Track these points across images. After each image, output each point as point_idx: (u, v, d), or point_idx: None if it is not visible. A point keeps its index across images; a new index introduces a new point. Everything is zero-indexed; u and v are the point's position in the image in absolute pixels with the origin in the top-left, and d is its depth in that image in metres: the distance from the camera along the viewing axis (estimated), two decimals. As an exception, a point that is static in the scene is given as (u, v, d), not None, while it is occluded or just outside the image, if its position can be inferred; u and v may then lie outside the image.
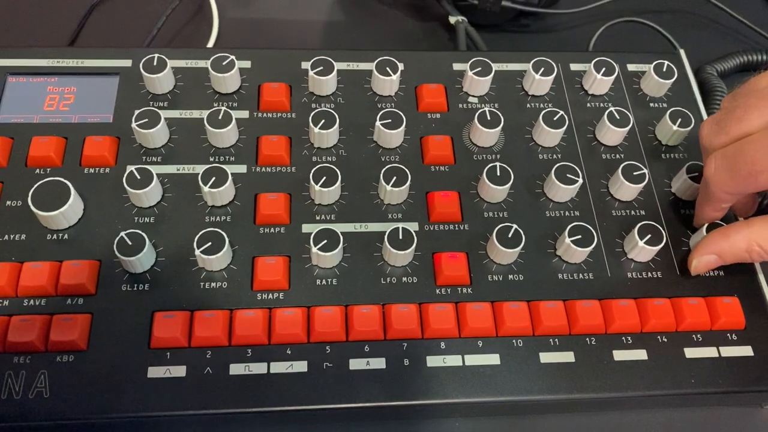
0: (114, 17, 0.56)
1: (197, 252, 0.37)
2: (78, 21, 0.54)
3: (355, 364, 0.36)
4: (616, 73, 0.46)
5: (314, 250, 0.37)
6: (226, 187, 0.39)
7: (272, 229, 0.40)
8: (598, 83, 0.46)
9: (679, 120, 0.44)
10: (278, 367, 0.36)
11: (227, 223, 0.39)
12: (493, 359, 0.37)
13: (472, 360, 0.37)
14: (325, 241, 0.38)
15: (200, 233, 0.37)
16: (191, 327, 0.36)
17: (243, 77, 0.45)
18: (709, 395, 0.38)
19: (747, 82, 0.38)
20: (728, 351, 0.38)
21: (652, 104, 0.47)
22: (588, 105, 0.47)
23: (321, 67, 0.44)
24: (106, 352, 0.35)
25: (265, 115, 0.44)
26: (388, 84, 0.45)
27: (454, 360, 0.37)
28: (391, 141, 0.43)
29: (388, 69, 0.44)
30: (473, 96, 0.46)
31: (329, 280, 0.38)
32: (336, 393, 0.35)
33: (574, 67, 0.48)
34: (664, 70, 0.47)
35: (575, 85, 0.47)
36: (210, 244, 0.37)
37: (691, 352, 0.38)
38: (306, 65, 0.45)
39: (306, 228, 0.40)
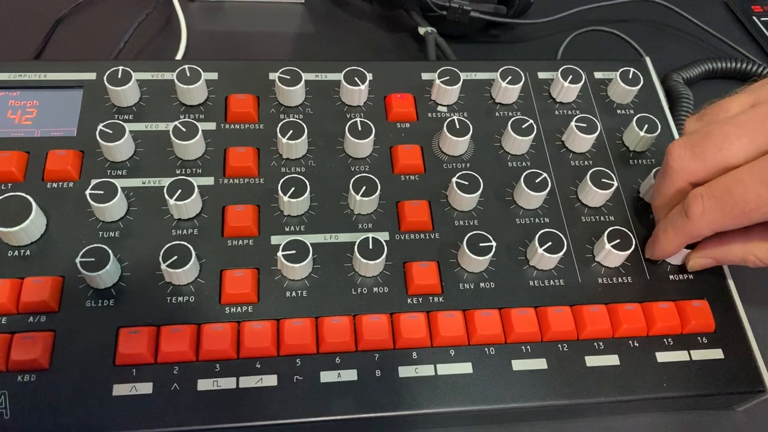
0: (81, 31, 0.55)
1: (163, 266, 0.36)
2: (44, 35, 0.53)
3: (326, 376, 0.36)
4: (583, 81, 0.47)
5: (283, 261, 0.37)
6: (192, 199, 0.38)
7: (240, 242, 0.39)
8: (566, 91, 0.47)
9: (646, 126, 0.45)
10: (247, 382, 0.35)
11: (194, 236, 0.39)
12: (466, 368, 0.37)
13: (445, 369, 0.36)
14: (295, 252, 0.37)
15: (166, 247, 0.37)
16: (157, 343, 0.35)
17: (210, 89, 0.44)
18: (682, 399, 0.38)
19: (715, 104, 0.38)
20: (699, 354, 0.39)
21: (619, 111, 0.48)
22: (556, 112, 0.47)
23: (288, 78, 0.44)
24: (69, 370, 0.34)
25: (232, 126, 0.43)
26: (356, 94, 0.44)
27: (426, 370, 0.36)
28: (360, 151, 0.43)
29: (356, 79, 0.44)
30: (442, 105, 0.46)
31: (299, 291, 0.38)
32: (307, 406, 0.35)
33: (541, 75, 0.49)
34: (630, 77, 0.47)
35: (543, 93, 0.48)
36: (176, 257, 0.36)
37: (662, 356, 0.38)
38: (273, 76, 0.45)
39: (275, 240, 0.39)
